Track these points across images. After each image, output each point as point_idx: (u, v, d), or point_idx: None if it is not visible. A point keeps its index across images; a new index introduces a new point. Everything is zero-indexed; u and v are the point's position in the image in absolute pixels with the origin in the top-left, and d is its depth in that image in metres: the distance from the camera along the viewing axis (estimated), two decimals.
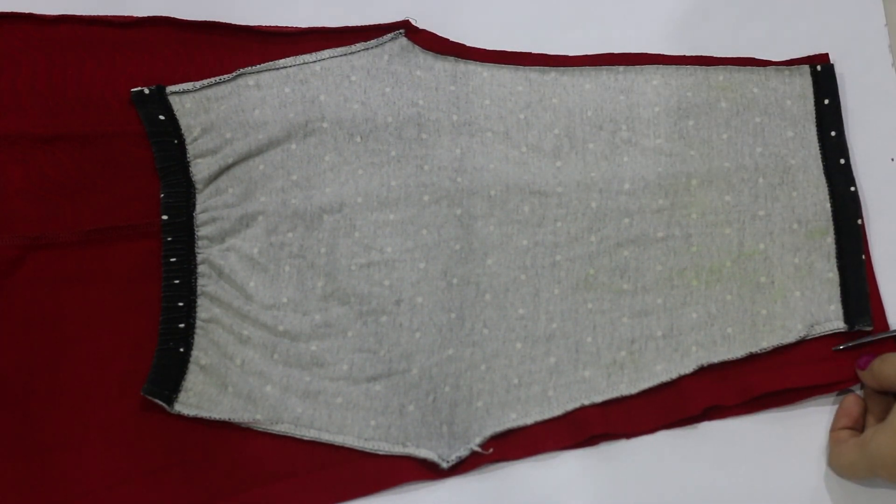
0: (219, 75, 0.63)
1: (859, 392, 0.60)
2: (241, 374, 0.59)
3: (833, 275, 0.62)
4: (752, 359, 0.61)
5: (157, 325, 0.60)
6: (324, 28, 0.64)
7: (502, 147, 0.63)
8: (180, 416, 0.58)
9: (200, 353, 0.60)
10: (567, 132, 0.64)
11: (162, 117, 0.62)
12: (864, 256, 0.62)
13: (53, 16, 0.63)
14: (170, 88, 0.62)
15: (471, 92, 0.64)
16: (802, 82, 0.64)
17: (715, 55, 0.65)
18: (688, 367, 0.60)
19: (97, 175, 0.62)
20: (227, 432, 0.59)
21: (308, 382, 0.59)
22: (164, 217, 0.61)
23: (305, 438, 0.59)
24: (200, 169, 0.62)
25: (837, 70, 0.65)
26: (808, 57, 0.65)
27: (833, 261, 0.62)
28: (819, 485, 0.59)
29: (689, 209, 0.63)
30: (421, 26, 0.65)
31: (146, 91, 0.62)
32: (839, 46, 0.66)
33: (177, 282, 0.60)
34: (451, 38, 0.65)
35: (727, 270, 0.62)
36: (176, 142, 0.62)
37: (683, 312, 0.61)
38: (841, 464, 0.57)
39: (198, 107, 0.62)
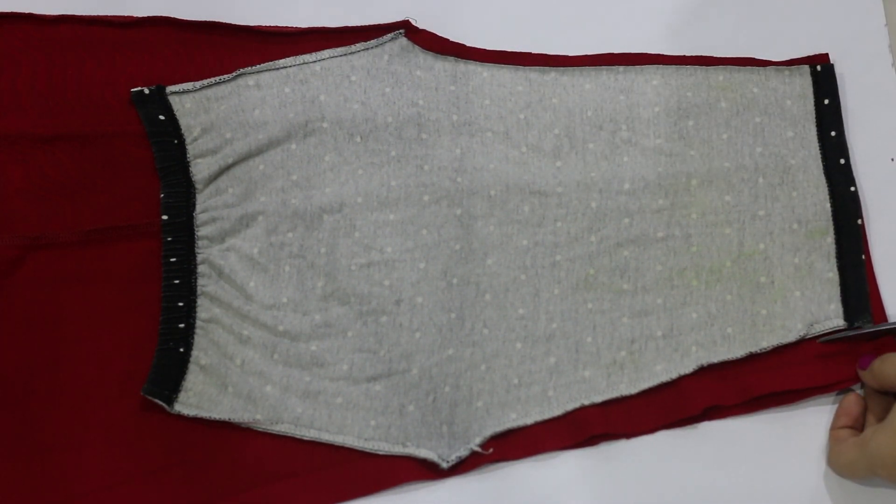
0: (219, 75, 0.63)
1: (859, 391, 0.60)
2: (241, 374, 0.59)
3: (833, 275, 0.62)
4: (751, 359, 0.61)
5: (157, 325, 0.60)
6: (324, 28, 0.64)
7: (502, 147, 0.63)
8: (180, 416, 0.58)
9: (200, 353, 0.60)
10: (567, 132, 0.64)
11: (162, 117, 0.62)
12: (864, 256, 0.62)
13: (53, 16, 0.63)
14: (170, 88, 0.62)
15: (471, 92, 0.64)
16: (802, 82, 0.64)
17: (715, 55, 0.65)
18: (688, 367, 0.60)
19: (97, 175, 0.62)
20: (227, 432, 0.59)
21: (308, 382, 0.59)
22: (164, 217, 0.61)
23: (305, 438, 0.59)
24: (200, 169, 0.62)
25: (837, 70, 0.65)
26: (808, 57, 0.65)
27: (833, 261, 0.62)
28: (819, 485, 0.59)
29: (689, 209, 0.63)
30: (421, 26, 0.65)
31: (146, 91, 0.62)
32: (839, 46, 0.66)
33: (177, 282, 0.60)
34: (451, 38, 0.65)
35: (727, 270, 0.62)
36: (176, 142, 0.62)
37: (683, 312, 0.61)
38: (840, 463, 0.57)
39: (198, 107, 0.62)
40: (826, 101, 0.64)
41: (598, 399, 0.60)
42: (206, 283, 0.61)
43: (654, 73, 0.64)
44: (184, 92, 0.62)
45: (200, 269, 0.61)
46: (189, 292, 0.60)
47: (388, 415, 0.59)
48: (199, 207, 0.61)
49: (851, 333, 0.60)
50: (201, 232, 0.61)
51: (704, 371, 0.60)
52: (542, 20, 0.67)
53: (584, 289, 0.62)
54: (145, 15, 0.63)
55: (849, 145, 0.64)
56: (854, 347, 0.60)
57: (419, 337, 0.60)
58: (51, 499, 0.57)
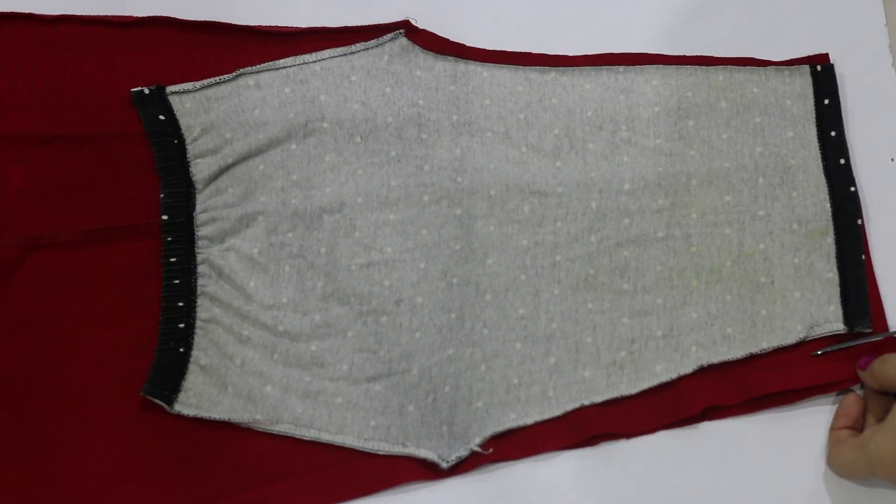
0: (219, 75, 0.63)
1: (859, 392, 0.60)
2: (241, 374, 0.59)
3: (833, 275, 0.62)
4: (751, 359, 0.61)
5: (157, 325, 0.60)
6: (324, 28, 0.64)
7: (502, 147, 0.63)
8: (180, 416, 0.58)
9: (200, 353, 0.60)
10: (567, 132, 0.64)
11: (162, 117, 0.62)
12: (863, 257, 0.62)
13: (53, 16, 0.63)
14: (170, 88, 0.62)
15: (471, 92, 0.64)
16: (802, 82, 0.64)
17: (715, 55, 0.65)
18: (688, 367, 0.60)
19: (97, 175, 0.62)
20: (227, 432, 0.59)
21: (308, 382, 0.59)
22: (164, 217, 0.61)
23: (305, 438, 0.59)
24: (200, 169, 0.62)
25: (837, 70, 0.65)
26: (808, 57, 0.65)
27: (833, 261, 0.62)
28: (819, 485, 0.59)
29: (689, 209, 0.63)
30: (421, 26, 0.65)
31: (146, 91, 0.62)
32: (839, 46, 0.66)
33: (177, 282, 0.60)
34: (451, 38, 0.65)
35: (727, 270, 0.62)
36: (176, 142, 0.62)
37: (683, 312, 0.61)
38: (840, 463, 0.57)
39: (198, 107, 0.62)
40: (826, 101, 0.64)
41: (598, 399, 0.60)
42: (206, 283, 0.61)
43: (654, 73, 0.64)
44: (184, 92, 0.62)
45: (200, 269, 0.61)
46: (189, 292, 0.60)
47: (388, 415, 0.59)
48: (199, 207, 0.61)
49: (847, 346, 0.60)
50: (201, 232, 0.61)
51: (704, 371, 0.60)
52: (542, 20, 0.67)
53: (584, 289, 0.62)
54: (145, 15, 0.63)
55: (849, 145, 0.64)
56: (854, 347, 0.60)
57: (419, 337, 0.60)
58: (51, 499, 0.57)
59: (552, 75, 0.65)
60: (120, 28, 0.63)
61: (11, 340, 0.59)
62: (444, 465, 0.58)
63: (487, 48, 0.65)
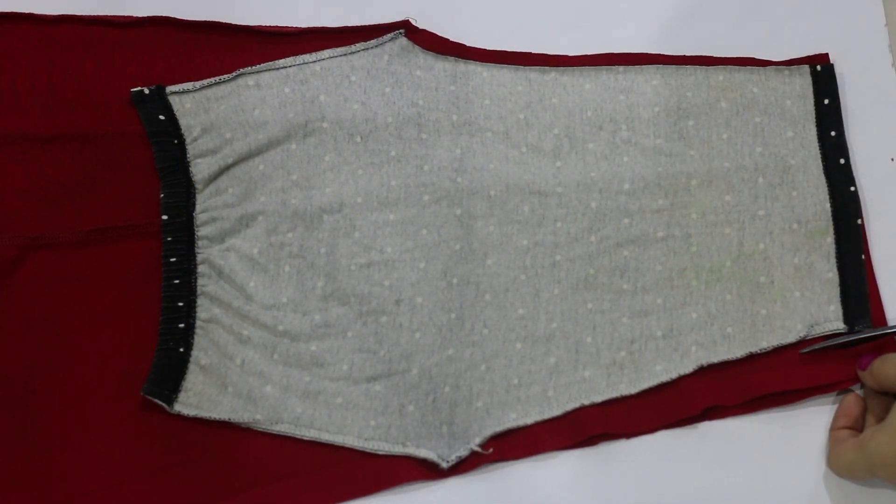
0: (219, 75, 0.63)
1: (859, 391, 0.60)
2: (241, 374, 0.59)
3: (833, 275, 0.62)
4: (751, 359, 0.61)
5: (157, 325, 0.60)
6: (324, 28, 0.64)
7: (502, 147, 0.63)
8: (180, 416, 0.58)
9: (200, 353, 0.60)
10: (567, 132, 0.64)
11: (162, 117, 0.62)
12: (863, 256, 0.62)
13: (53, 16, 0.63)
14: (170, 88, 0.62)
15: (471, 92, 0.64)
16: (802, 82, 0.64)
17: (715, 55, 0.65)
18: (688, 367, 0.60)
19: (97, 175, 0.62)
20: (227, 432, 0.59)
21: (308, 382, 0.59)
22: (164, 217, 0.61)
23: (305, 438, 0.59)
24: (200, 169, 0.62)
25: (837, 70, 0.65)
26: (808, 57, 0.65)
27: (833, 261, 0.62)
28: (818, 485, 0.59)
29: (689, 209, 0.63)
30: (421, 26, 0.65)
31: (146, 91, 0.62)
32: (839, 46, 0.66)
33: (177, 282, 0.60)
34: (451, 38, 0.65)
35: (727, 270, 0.62)
36: (176, 142, 0.62)
37: (683, 312, 0.61)
38: (840, 464, 0.57)
39: (198, 107, 0.62)
40: (826, 101, 0.64)
41: (598, 399, 0.60)
42: (206, 283, 0.61)
43: (654, 73, 0.64)
44: (184, 92, 0.62)
45: (200, 269, 0.61)
46: (189, 292, 0.60)
47: (388, 415, 0.59)
48: (199, 207, 0.61)
49: (846, 340, 0.60)
50: (201, 232, 0.61)
51: (704, 371, 0.60)
52: (542, 20, 0.67)
53: (584, 289, 0.62)
54: (145, 15, 0.63)
55: (849, 145, 0.64)
56: (853, 347, 0.60)
57: (419, 337, 0.60)
58: (51, 499, 0.57)
59: (552, 75, 0.65)
60: (120, 28, 0.63)
61: (11, 340, 0.59)
62: (444, 465, 0.58)
63: (487, 48, 0.65)
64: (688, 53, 0.65)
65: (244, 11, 0.65)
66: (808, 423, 0.60)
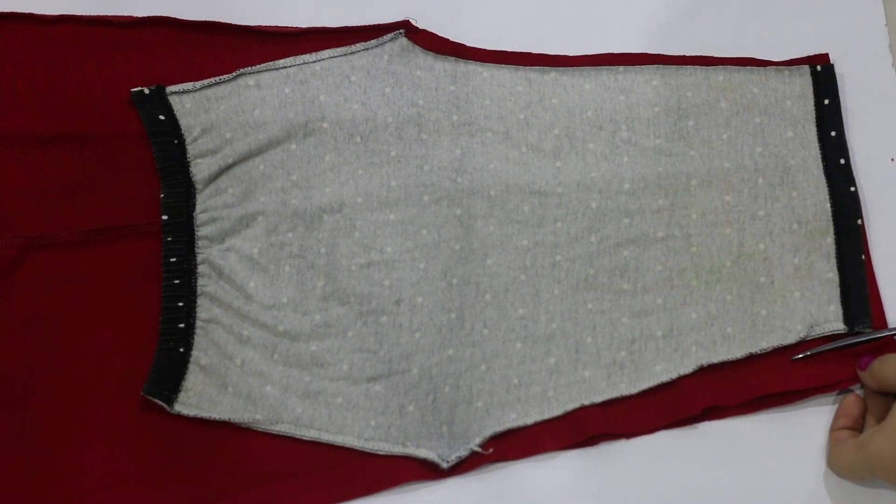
0: (219, 75, 0.63)
1: (859, 391, 0.60)
2: (241, 375, 0.59)
3: (833, 275, 0.62)
4: (751, 359, 0.61)
5: (157, 325, 0.60)
6: (324, 28, 0.64)
7: (502, 147, 0.63)
8: (180, 416, 0.58)
9: (200, 353, 0.60)
10: (567, 132, 0.64)
11: (162, 117, 0.62)
12: (863, 257, 0.62)
13: (53, 16, 0.63)
14: (170, 88, 0.62)
15: (471, 92, 0.64)
16: (802, 82, 0.64)
17: (715, 55, 0.65)
18: (687, 367, 0.60)
19: (97, 175, 0.62)
20: (227, 432, 0.59)
21: (308, 382, 0.59)
22: (164, 217, 0.61)
23: (305, 438, 0.59)
24: (200, 169, 0.62)
25: (837, 70, 0.65)
26: (808, 57, 0.65)
27: (833, 261, 0.62)
28: (818, 485, 0.59)
29: (689, 209, 0.63)
30: (421, 26, 0.65)
31: (146, 91, 0.62)
32: (839, 46, 0.66)
33: (177, 282, 0.60)
34: (451, 38, 0.65)
35: (727, 270, 0.62)
36: (176, 142, 0.62)
37: (683, 312, 0.61)
38: (840, 464, 0.57)
39: (198, 107, 0.62)
40: (826, 102, 0.64)
41: (598, 399, 0.60)
42: (206, 283, 0.61)
43: (654, 73, 0.64)
44: (184, 92, 0.62)
45: (200, 269, 0.61)
46: (189, 292, 0.60)
47: (388, 415, 0.59)
48: (199, 207, 0.61)
49: (839, 344, 0.60)
50: (201, 232, 0.61)
51: (704, 371, 0.60)
52: (542, 20, 0.67)
53: (584, 289, 0.62)
54: (145, 15, 0.63)
55: (849, 145, 0.64)
56: (853, 347, 0.60)
57: (419, 337, 0.60)
58: (51, 499, 0.57)
59: (552, 75, 0.65)
60: (120, 28, 0.63)
61: (11, 340, 0.59)
62: (444, 465, 0.58)
63: (487, 48, 0.65)
64: (688, 53, 0.65)
65: (244, 11, 0.65)
66: (808, 423, 0.60)
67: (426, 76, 0.64)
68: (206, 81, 0.62)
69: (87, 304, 0.60)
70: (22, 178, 0.61)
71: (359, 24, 0.64)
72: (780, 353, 0.61)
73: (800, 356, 0.60)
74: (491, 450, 0.59)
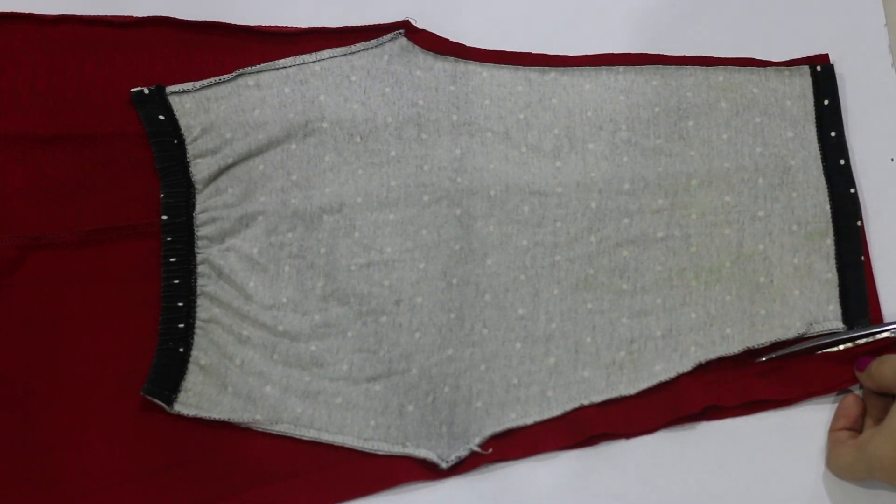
0: (219, 75, 0.63)
1: (858, 392, 0.60)
2: (240, 374, 0.59)
3: (832, 276, 0.62)
4: (751, 360, 0.61)
5: (157, 325, 0.60)
6: (324, 28, 0.64)
7: (502, 147, 0.63)
8: (180, 416, 0.58)
9: (200, 353, 0.60)
10: (567, 132, 0.64)
11: (162, 117, 0.62)
12: (863, 258, 0.62)
13: (53, 16, 0.63)
14: (170, 88, 0.62)
15: (471, 92, 0.64)
16: (802, 83, 0.64)
17: (715, 55, 0.65)
18: (687, 367, 0.60)
19: (97, 175, 0.62)
20: (227, 432, 0.59)
21: (308, 382, 0.59)
22: (164, 217, 0.61)
23: (305, 438, 0.59)
24: (200, 169, 0.62)
25: (837, 70, 0.65)
26: (808, 57, 0.65)
27: (832, 262, 0.62)
28: (818, 485, 0.59)
29: (688, 209, 0.63)
30: (421, 26, 0.65)
31: (146, 91, 0.62)
32: (839, 46, 0.66)
33: (176, 282, 0.60)
34: (451, 38, 0.65)
35: (726, 271, 0.62)
36: (176, 142, 0.62)
37: (683, 313, 0.61)
38: (839, 465, 0.57)
39: (198, 107, 0.62)
40: (826, 102, 0.64)
41: (598, 399, 0.60)
42: (205, 283, 0.61)
43: (654, 73, 0.64)
44: (184, 92, 0.62)
45: (200, 269, 0.61)
46: (189, 292, 0.60)
47: (388, 415, 0.59)
48: (198, 207, 0.61)
49: (847, 336, 0.60)
50: (201, 232, 0.61)
51: (704, 371, 0.60)
52: (542, 20, 0.67)
53: (583, 289, 0.62)
54: (145, 15, 0.63)
55: (849, 145, 0.64)
56: (852, 348, 0.60)
57: (419, 337, 0.60)
58: (51, 499, 0.57)
59: (552, 75, 0.65)
60: (120, 28, 0.63)
61: (11, 340, 0.59)
62: (444, 465, 0.58)
63: (487, 48, 0.65)
64: (688, 53, 0.65)
65: (244, 11, 0.65)
66: (808, 423, 0.60)
67: (426, 76, 0.64)
68: (206, 81, 0.62)
69: (87, 304, 0.60)
70: (22, 178, 0.61)
71: (359, 24, 0.64)
72: (780, 357, 0.61)
73: (763, 359, 0.60)
74: (490, 450, 0.59)
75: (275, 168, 0.62)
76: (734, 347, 0.60)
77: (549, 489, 0.59)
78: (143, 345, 0.60)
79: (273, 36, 0.64)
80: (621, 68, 0.65)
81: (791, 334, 0.60)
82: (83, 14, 0.63)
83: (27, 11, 0.63)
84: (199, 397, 0.59)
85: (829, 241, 0.62)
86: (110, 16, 0.63)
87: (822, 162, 0.63)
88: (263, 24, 0.64)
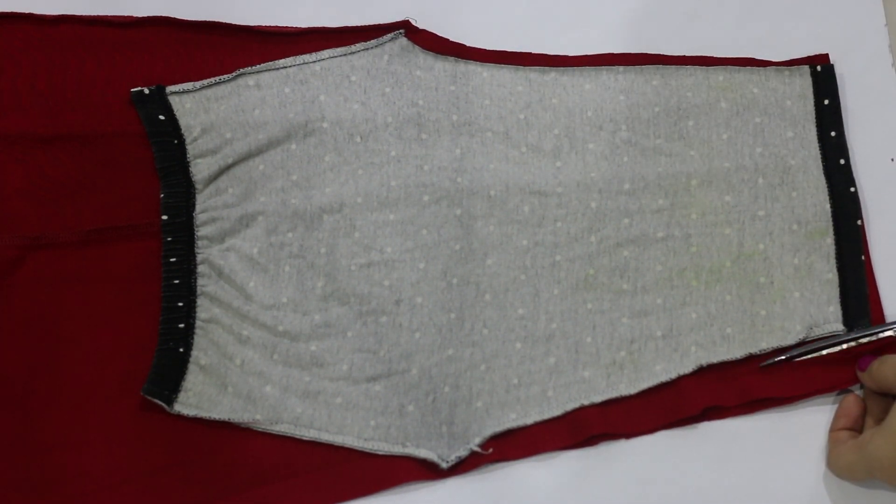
0: (219, 75, 0.63)
1: (859, 392, 0.60)
2: (240, 375, 0.59)
3: (832, 276, 0.62)
4: (751, 359, 0.61)
5: (157, 325, 0.60)
6: (324, 28, 0.64)
7: (502, 147, 0.63)
8: (180, 416, 0.58)
9: (200, 353, 0.60)
10: (567, 132, 0.64)
11: (162, 117, 0.62)
12: (863, 258, 0.62)
13: (53, 16, 0.63)
14: (170, 88, 0.62)
15: (471, 92, 0.64)
16: (802, 82, 0.64)
17: (715, 55, 0.65)
18: (687, 367, 0.60)
19: (97, 175, 0.62)
20: (227, 432, 0.59)
21: (308, 382, 0.59)
22: (164, 217, 0.61)
23: (305, 438, 0.59)
24: (200, 169, 0.62)
25: (837, 70, 0.65)
26: (808, 57, 0.65)
27: (833, 262, 0.62)
28: (818, 485, 0.59)
29: (688, 209, 0.63)
30: (421, 26, 0.65)
31: (146, 91, 0.62)
32: (839, 46, 0.66)
33: (177, 282, 0.60)
34: (451, 38, 0.65)
35: (727, 271, 0.62)
36: (176, 142, 0.62)
37: (683, 312, 0.61)
38: (839, 465, 0.57)
39: (198, 107, 0.62)
40: (826, 102, 0.64)
41: (598, 399, 0.60)
42: (205, 283, 0.61)
43: (654, 73, 0.64)
44: (184, 92, 0.62)
45: (200, 269, 0.61)
46: (189, 292, 0.60)
47: (388, 415, 0.59)
48: (198, 207, 0.61)
49: (849, 337, 0.60)
50: (201, 232, 0.61)
51: (704, 371, 0.60)
52: (542, 20, 0.67)
53: (583, 289, 0.62)
54: (145, 15, 0.63)
55: (849, 145, 0.64)
56: (854, 347, 0.60)
57: (419, 337, 0.60)
58: (51, 499, 0.57)
59: (552, 75, 0.65)
60: (120, 28, 0.63)
61: (11, 340, 0.59)
62: (444, 465, 0.58)
63: (487, 48, 0.65)
64: (688, 53, 0.65)
65: (244, 11, 0.65)
66: (808, 423, 0.60)
67: (426, 76, 0.64)
68: (206, 81, 0.63)
69: (87, 304, 0.60)
70: (22, 178, 0.61)
71: (359, 24, 0.64)
72: (780, 354, 0.61)
73: (767, 363, 0.60)
74: (491, 450, 0.59)
75: (275, 168, 0.62)
76: (735, 348, 0.60)
77: (549, 489, 0.59)
78: (143, 345, 0.60)
79: (273, 36, 0.64)
80: (621, 68, 0.65)
81: (792, 339, 0.60)
82: (83, 14, 0.63)
83: (27, 11, 0.63)
84: (199, 397, 0.59)
85: (830, 240, 0.62)
86: (110, 16, 0.63)
87: (822, 162, 0.63)
88: (263, 24, 0.64)
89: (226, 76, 0.63)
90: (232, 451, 0.59)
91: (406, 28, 0.64)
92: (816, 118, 0.64)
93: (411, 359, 0.60)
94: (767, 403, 0.60)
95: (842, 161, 0.63)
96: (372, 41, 0.64)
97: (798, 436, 0.60)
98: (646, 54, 0.65)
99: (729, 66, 0.64)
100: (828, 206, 0.62)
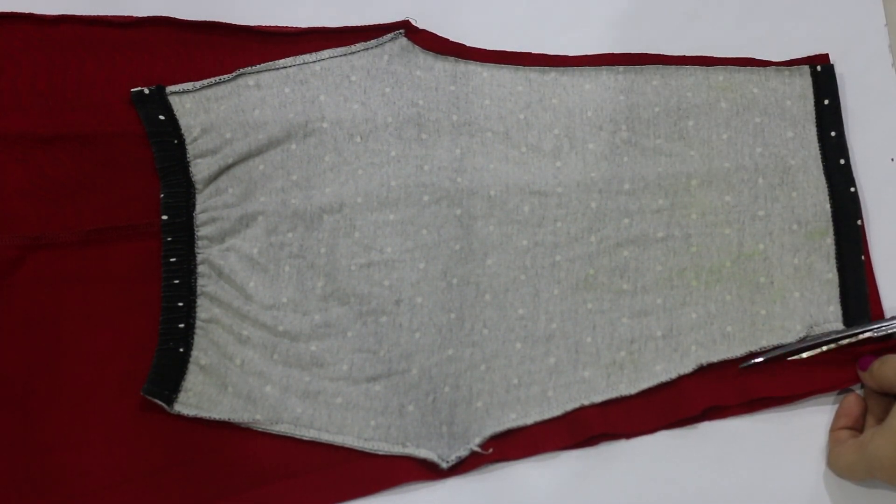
0: (219, 75, 0.63)
1: (860, 391, 0.60)
2: (240, 375, 0.59)
3: (832, 276, 0.62)
4: (751, 359, 0.61)
5: (157, 325, 0.60)
6: (324, 28, 0.64)
7: (502, 147, 0.63)
8: (180, 416, 0.58)
9: (200, 354, 0.60)
10: (567, 132, 0.64)
11: (162, 117, 0.62)
12: (863, 258, 0.62)
13: (53, 16, 0.63)
14: (170, 88, 0.62)
15: (471, 92, 0.64)
16: (802, 82, 0.64)
17: (715, 55, 0.65)
18: (687, 367, 0.60)
19: (97, 175, 0.62)
20: (227, 432, 0.59)
21: (308, 382, 0.59)
22: (164, 217, 0.61)
23: (305, 438, 0.59)
24: (200, 169, 0.62)
25: (837, 70, 0.65)
26: (808, 57, 0.65)
27: (833, 262, 0.62)
28: (818, 485, 0.59)
29: (688, 209, 0.63)
30: (421, 26, 0.65)
31: (146, 91, 0.62)
32: (839, 46, 0.66)
33: (177, 282, 0.60)
34: (451, 38, 0.65)
35: (727, 271, 0.62)
36: (176, 142, 0.62)
37: (683, 312, 0.61)
38: (840, 465, 0.57)
39: (198, 107, 0.62)
40: (826, 102, 0.64)
41: (598, 399, 0.60)
42: (205, 283, 0.61)
43: (653, 74, 0.64)
44: (184, 92, 0.62)
45: (200, 269, 0.61)
46: (189, 292, 0.60)
47: (388, 415, 0.59)
48: (198, 207, 0.61)
49: (851, 332, 0.60)
50: (201, 232, 0.61)
51: (704, 371, 0.60)
52: (542, 20, 0.67)
53: (583, 289, 0.62)
54: (145, 15, 0.63)
55: (849, 145, 0.64)
56: (855, 347, 0.60)
57: (419, 337, 0.60)
58: (51, 499, 0.57)
59: (552, 75, 0.65)
60: (120, 28, 0.63)
61: (11, 340, 0.59)
62: (444, 465, 0.58)
63: (487, 48, 0.65)
64: (688, 53, 0.65)
65: (244, 11, 0.65)
66: (808, 423, 0.60)
67: (426, 76, 0.64)
68: (206, 81, 0.63)
69: (87, 304, 0.60)
70: (22, 178, 0.61)
71: (359, 24, 0.64)
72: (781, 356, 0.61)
73: (751, 363, 0.60)
74: (491, 450, 0.59)
75: (275, 168, 0.62)
76: (735, 346, 0.60)
77: (549, 489, 0.59)
78: (143, 345, 0.60)
79: (273, 36, 0.64)
80: (621, 68, 0.65)
81: (792, 338, 0.60)
82: (83, 14, 0.63)
83: (27, 11, 0.63)
84: (199, 397, 0.59)
85: (830, 240, 0.62)
86: (110, 16, 0.63)
87: (822, 161, 0.63)
88: (263, 24, 0.64)
89: (226, 76, 0.63)
90: (232, 451, 0.59)
91: (406, 28, 0.64)
92: (816, 118, 0.64)
93: (411, 359, 0.60)
94: (767, 403, 0.60)
95: (842, 161, 0.63)
96: (372, 41, 0.64)
97: (798, 436, 0.60)
98: (646, 54, 0.65)
99: (729, 66, 0.64)
100: (828, 206, 0.62)
